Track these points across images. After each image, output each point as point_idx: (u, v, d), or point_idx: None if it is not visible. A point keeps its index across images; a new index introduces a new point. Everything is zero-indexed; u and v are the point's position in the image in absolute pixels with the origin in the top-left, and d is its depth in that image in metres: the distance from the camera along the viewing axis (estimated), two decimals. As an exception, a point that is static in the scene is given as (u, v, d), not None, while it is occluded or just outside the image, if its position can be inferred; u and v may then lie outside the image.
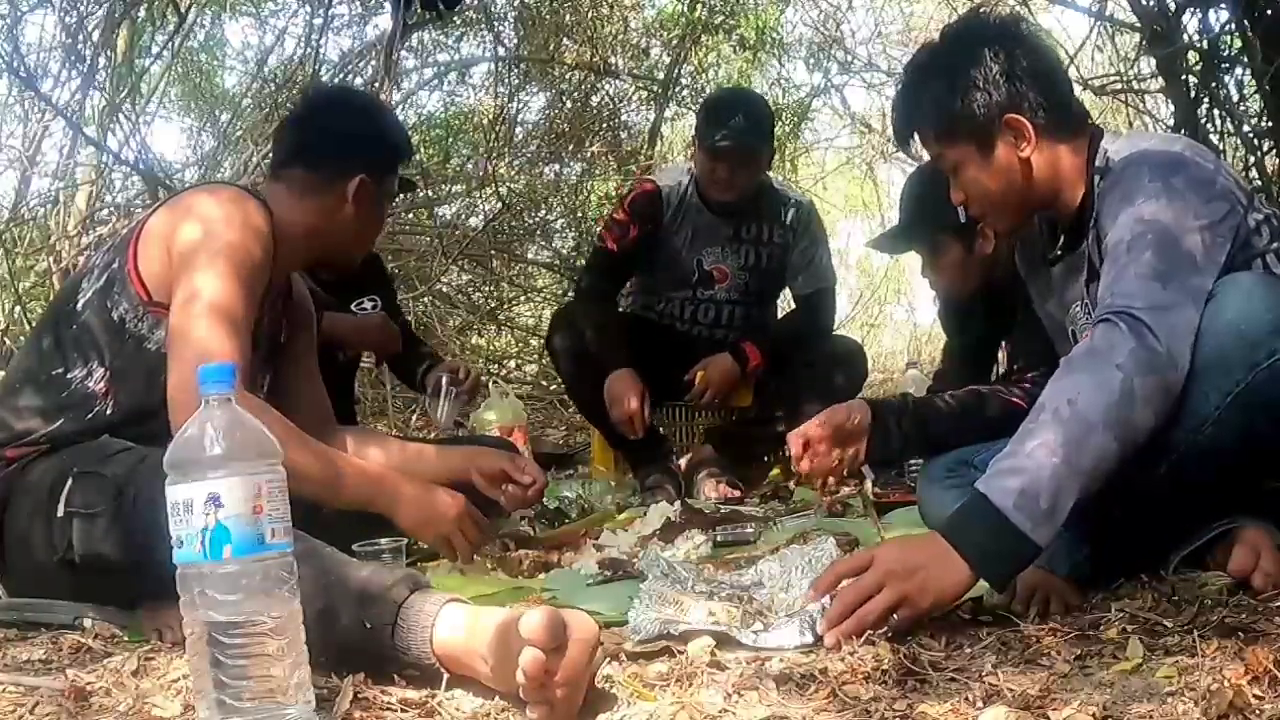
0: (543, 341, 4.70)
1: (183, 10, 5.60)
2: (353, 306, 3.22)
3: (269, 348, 2.20)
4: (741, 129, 3.30)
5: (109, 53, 5.65)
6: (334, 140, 2.20)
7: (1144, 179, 1.78)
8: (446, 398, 3.21)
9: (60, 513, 1.82)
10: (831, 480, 2.30)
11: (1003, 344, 2.53)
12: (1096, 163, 1.92)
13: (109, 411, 1.98)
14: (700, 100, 8.36)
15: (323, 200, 2.15)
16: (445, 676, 1.41)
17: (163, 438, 1.97)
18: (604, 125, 8.16)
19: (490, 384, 3.49)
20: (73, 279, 2.14)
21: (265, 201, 2.08)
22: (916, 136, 2.04)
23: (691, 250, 3.50)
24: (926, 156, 2.09)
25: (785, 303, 4.03)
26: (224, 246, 1.93)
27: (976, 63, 1.92)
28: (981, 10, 2.11)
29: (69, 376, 1.99)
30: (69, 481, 1.83)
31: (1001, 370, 2.44)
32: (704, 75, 8.61)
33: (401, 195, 3.28)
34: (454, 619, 1.42)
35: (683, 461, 3.42)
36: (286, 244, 2.09)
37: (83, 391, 1.98)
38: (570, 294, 7.24)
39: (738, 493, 3.22)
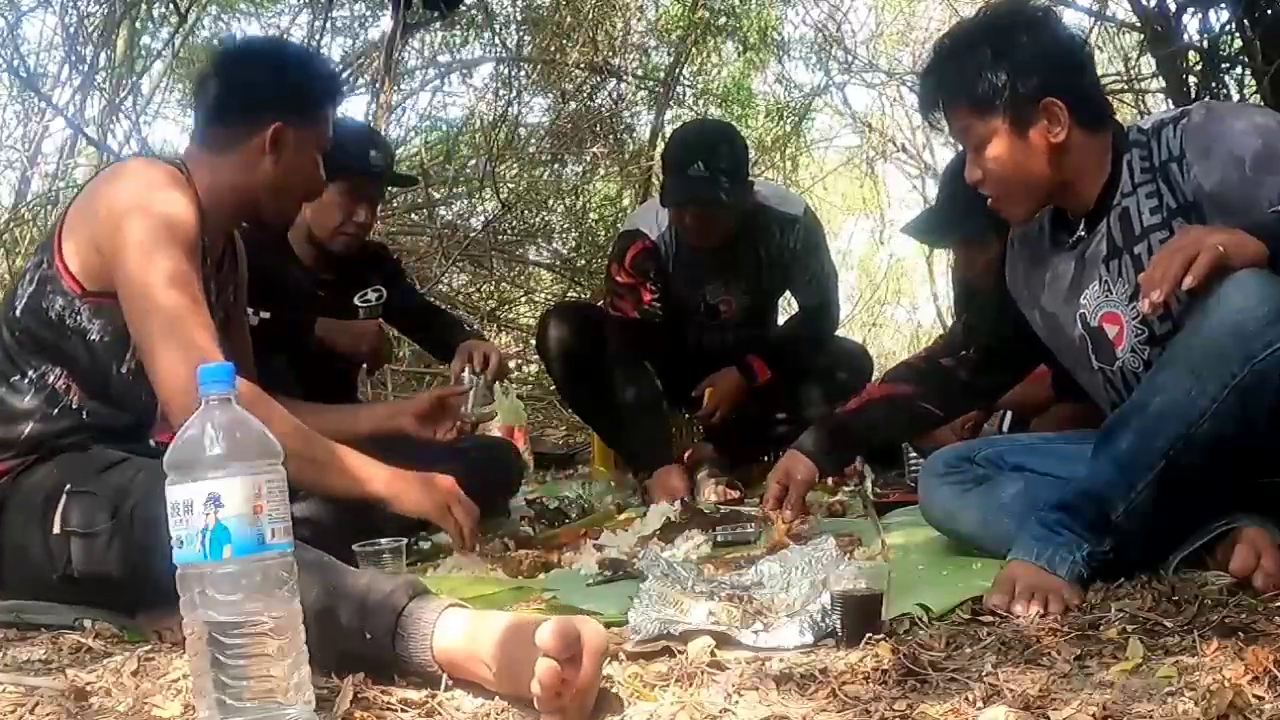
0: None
1: (183, 10, 5.60)
2: (355, 299, 3.22)
3: (223, 316, 2.16)
4: (701, 179, 3.10)
5: (109, 53, 5.66)
6: (243, 92, 2.12)
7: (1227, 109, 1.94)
8: (470, 389, 3.15)
9: (56, 529, 1.81)
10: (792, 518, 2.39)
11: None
12: (1131, 137, 1.96)
13: (74, 405, 1.97)
14: (702, 99, 8.43)
15: (242, 155, 2.08)
16: (445, 679, 1.41)
17: (135, 427, 1.98)
18: (605, 126, 8.15)
19: (497, 384, 3.46)
20: (10, 286, 2.12)
21: (184, 166, 2.05)
22: (944, 106, 2.03)
23: (696, 289, 3.44)
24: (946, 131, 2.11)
25: (786, 302, 4.03)
26: (156, 232, 1.89)
27: (1022, 41, 1.95)
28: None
29: (27, 381, 1.97)
30: (63, 498, 1.82)
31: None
32: (705, 75, 8.62)
33: (401, 193, 3.26)
34: (455, 625, 1.42)
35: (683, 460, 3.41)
36: (215, 207, 2.05)
37: (45, 392, 1.97)
38: (569, 294, 7.28)
39: (737, 493, 3.21)
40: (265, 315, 2.86)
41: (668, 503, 2.86)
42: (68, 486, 1.83)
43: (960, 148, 2.28)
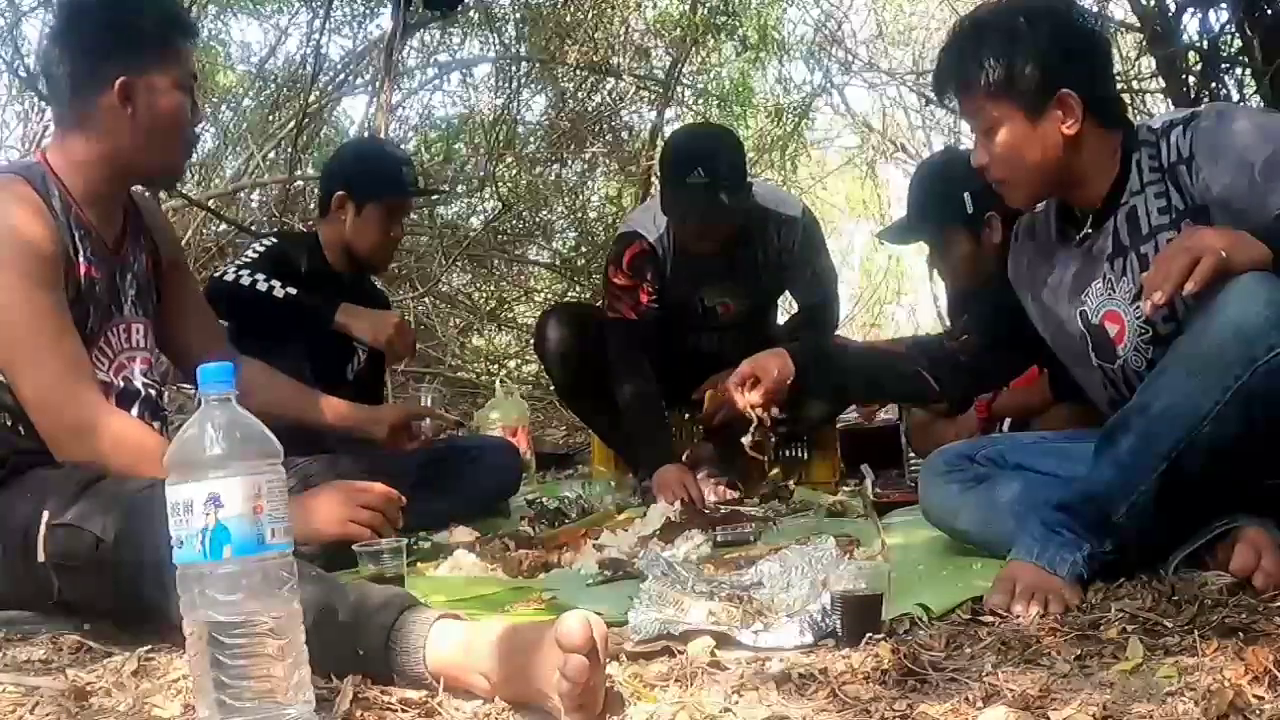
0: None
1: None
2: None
3: (138, 291, 2.13)
4: (701, 187, 3.08)
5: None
6: (80, 55, 2.02)
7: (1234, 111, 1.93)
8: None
9: (41, 557, 1.77)
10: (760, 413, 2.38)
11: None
12: (1140, 136, 1.96)
13: (8, 424, 1.93)
14: (701, 99, 8.43)
15: (99, 123, 2.01)
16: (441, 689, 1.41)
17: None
18: (605, 126, 8.15)
19: (496, 383, 3.48)
20: None
21: (39, 167, 2.00)
22: (958, 87, 2.02)
23: (694, 293, 3.43)
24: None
25: (787, 304, 4.02)
26: (3, 285, 1.87)
27: (1042, 31, 1.94)
28: None
29: None
30: (42, 528, 1.77)
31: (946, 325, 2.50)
32: (705, 75, 8.61)
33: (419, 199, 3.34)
34: (448, 635, 1.42)
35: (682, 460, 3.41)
36: (91, 188, 2.02)
37: None
38: (569, 294, 7.28)
39: (737, 493, 3.21)
40: (291, 291, 2.88)
41: (668, 501, 2.85)
42: (46, 516, 1.78)
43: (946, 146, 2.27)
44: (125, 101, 2.00)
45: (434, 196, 6.41)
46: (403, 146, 7.43)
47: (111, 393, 2.02)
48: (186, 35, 2.12)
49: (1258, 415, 1.64)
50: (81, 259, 1.99)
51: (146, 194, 2.31)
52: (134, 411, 2.05)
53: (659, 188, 3.28)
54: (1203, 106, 1.98)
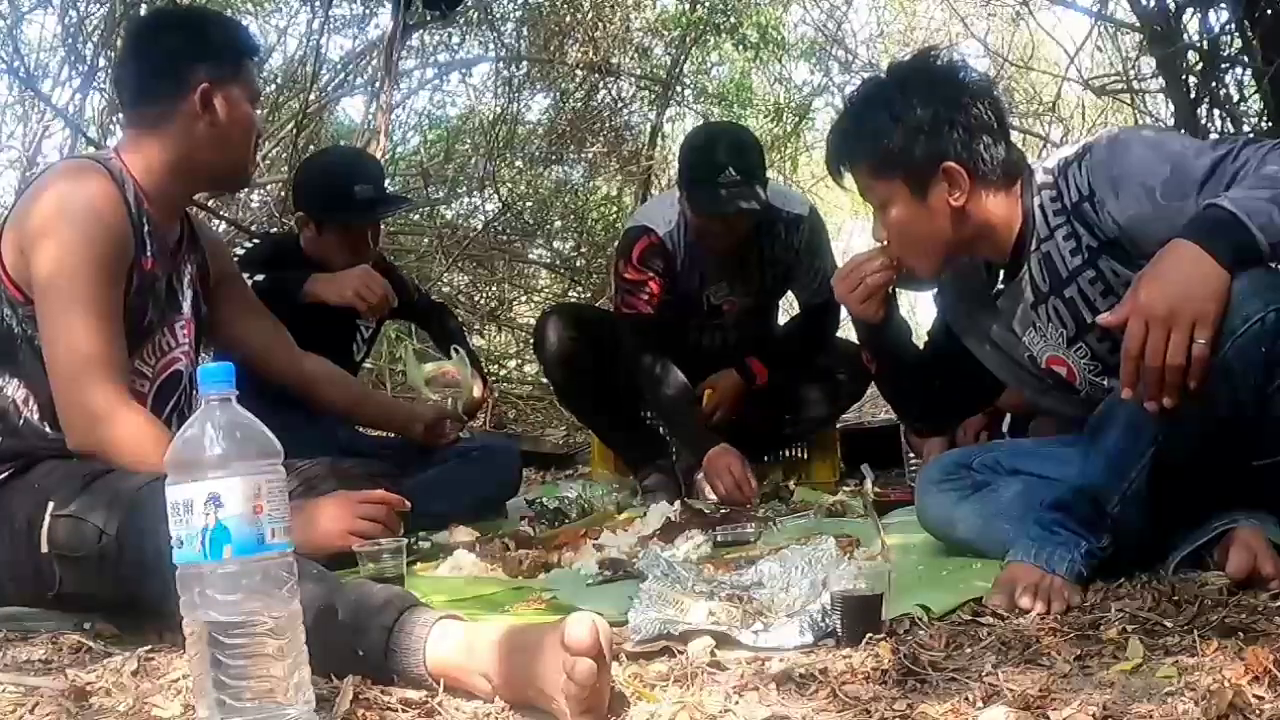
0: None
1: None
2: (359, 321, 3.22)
3: (191, 300, 2.18)
4: (735, 186, 3.05)
5: (109, 53, 5.64)
6: (164, 62, 2.10)
7: (1124, 139, 1.87)
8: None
9: (44, 549, 1.80)
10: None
11: None
12: (1039, 179, 1.94)
13: (36, 418, 1.96)
14: (701, 98, 8.43)
15: (176, 126, 2.07)
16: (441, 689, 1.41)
17: None
18: (605, 126, 8.15)
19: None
20: None
21: (116, 158, 2.05)
22: (848, 166, 2.01)
23: (701, 288, 3.41)
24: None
25: (787, 304, 4.02)
26: (72, 257, 1.90)
27: (921, 104, 1.91)
28: (931, 51, 2.05)
29: None
30: (46, 519, 1.80)
31: None
32: (706, 75, 8.62)
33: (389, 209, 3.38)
34: (448, 637, 1.42)
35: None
36: (160, 189, 2.07)
37: (7, 405, 1.96)
38: (569, 294, 7.28)
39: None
40: (259, 278, 2.88)
41: (719, 487, 2.99)
42: (51, 507, 1.80)
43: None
44: (205, 108, 2.07)
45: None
46: (401, 146, 7.43)
47: (149, 389, 2.06)
48: (254, 52, 2.25)
49: (1242, 385, 1.63)
50: (148, 254, 2.04)
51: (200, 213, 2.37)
52: (172, 404, 2.10)
53: (685, 189, 3.18)
54: (1093, 138, 1.93)
